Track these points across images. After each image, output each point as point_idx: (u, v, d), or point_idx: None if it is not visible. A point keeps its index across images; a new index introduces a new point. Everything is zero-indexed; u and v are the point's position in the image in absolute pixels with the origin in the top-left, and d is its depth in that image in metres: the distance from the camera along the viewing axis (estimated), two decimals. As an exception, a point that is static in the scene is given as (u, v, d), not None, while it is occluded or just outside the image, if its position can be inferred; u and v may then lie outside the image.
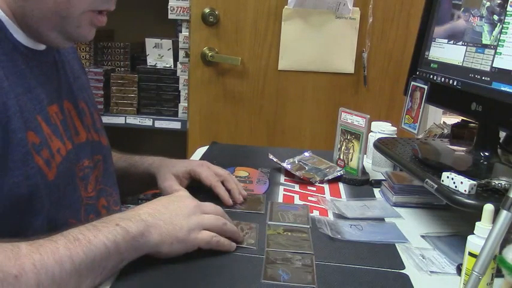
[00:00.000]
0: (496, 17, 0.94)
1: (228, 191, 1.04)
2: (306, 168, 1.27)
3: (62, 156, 0.80)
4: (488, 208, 0.68)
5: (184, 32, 2.27)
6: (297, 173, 1.23)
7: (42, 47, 0.82)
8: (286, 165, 1.27)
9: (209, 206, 0.85)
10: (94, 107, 0.97)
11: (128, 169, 1.11)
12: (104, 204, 0.91)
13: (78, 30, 0.79)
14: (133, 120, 2.37)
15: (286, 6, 1.91)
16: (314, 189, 1.18)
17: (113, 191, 0.97)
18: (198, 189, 1.04)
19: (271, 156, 1.29)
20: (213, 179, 1.04)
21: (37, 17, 0.76)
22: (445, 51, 1.09)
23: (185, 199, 0.84)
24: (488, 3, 0.96)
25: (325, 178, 1.22)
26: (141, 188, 1.19)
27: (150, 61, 2.39)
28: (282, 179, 1.24)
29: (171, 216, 0.77)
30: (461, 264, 0.72)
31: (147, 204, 0.80)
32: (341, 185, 1.22)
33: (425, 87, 1.12)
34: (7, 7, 0.75)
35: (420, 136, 1.42)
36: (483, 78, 0.96)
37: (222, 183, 1.05)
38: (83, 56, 2.46)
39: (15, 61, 0.75)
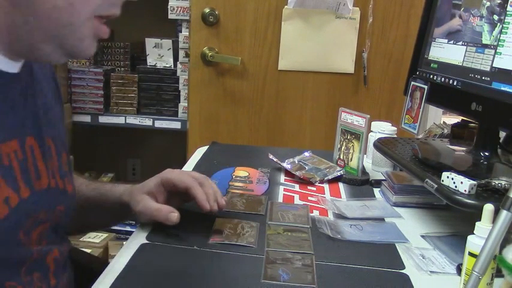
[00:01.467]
0: (496, 17, 0.94)
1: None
2: (306, 168, 1.27)
3: (11, 207, 0.65)
4: (488, 208, 0.68)
5: (184, 32, 2.27)
6: (297, 173, 1.23)
7: (14, 69, 0.68)
8: (286, 165, 1.27)
9: None
10: (63, 146, 0.81)
11: (98, 199, 0.97)
12: (55, 256, 0.77)
13: (81, 44, 0.65)
14: (134, 120, 2.38)
15: (286, 6, 1.91)
16: (314, 189, 1.18)
17: (62, 240, 0.82)
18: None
19: (271, 156, 1.29)
20: (188, 179, 0.89)
21: (31, 26, 0.62)
22: (445, 51, 1.09)
23: None
24: (488, 3, 0.96)
25: (325, 178, 1.22)
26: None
27: (150, 61, 2.39)
28: (282, 179, 1.24)
29: None
30: (461, 264, 0.72)
31: None
32: (341, 185, 1.22)
33: (425, 87, 1.11)
34: None
35: (420, 136, 1.42)
36: (483, 78, 0.96)
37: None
38: (83, 56, 2.46)
39: None
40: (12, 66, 0.68)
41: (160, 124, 2.37)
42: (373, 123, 1.34)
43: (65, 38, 0.64)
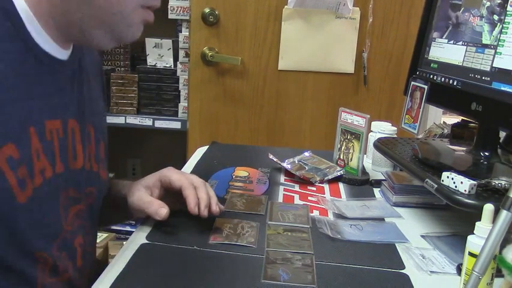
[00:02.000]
0: (496, 17, 0.94)
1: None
2: (306, 168, 1.27)
3: (45, 178, 0.70)
4: (488, 208, 0.68)
5: (184, 32, 2.27)
6: (297, 173, 1.23)
7: (64, 56, 0.74)
8: (286, 165, 1.27)
9: None
10: (102, 136, 0.87)
11: None
12: (80, 242, 0.80)
13: (129, 30, 0.74)
14: (134, 120, 2.38)
15: (286, 6, 1.91)
16: (314, 189, 1.18)
17: (92, 229, 0.87)
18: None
19: (271, 156, 1.29)
20: (184, 180, 0.90)
21: (83, 14, 0.69)
22: (445, 51, 1.09)
23: None
24: (488, 3, 0.96)
25: (325, 178, 1.22)
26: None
27: (150, 61, 2.39)
28: (282, 179, 1.24)
29: None
30: (461, 264, 0.72)
31: None
32: (341, 185, 1.22)
33: (425, 87, 1.11)
34: (37, 4, 0.68)
35: (420, 136, 1.42)
36: (483, 78, 0.96)
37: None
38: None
39: (26, 63, 0.67)
40: (62, 54, 0.74)
41: (160, 124, 2.37)
42: (373, 123, 1.34)
43: (115, 24, 0.72)
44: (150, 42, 2.37)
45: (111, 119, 2.38)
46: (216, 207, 0.89)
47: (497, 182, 0.83)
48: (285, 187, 1.18)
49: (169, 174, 0.92)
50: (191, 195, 0.87)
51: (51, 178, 0.71)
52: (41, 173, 0.69)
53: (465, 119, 1.27)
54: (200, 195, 0.88)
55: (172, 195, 0.92)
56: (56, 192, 0.73)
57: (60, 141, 0.73)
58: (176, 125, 2.35)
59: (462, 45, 1.03)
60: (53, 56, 0.72)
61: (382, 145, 1.18)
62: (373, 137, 1.32)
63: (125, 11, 0.70)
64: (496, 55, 0.93)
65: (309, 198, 1.12)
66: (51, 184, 0.71)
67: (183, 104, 2.33)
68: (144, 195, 0.89)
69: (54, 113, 0.73)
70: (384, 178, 1.18)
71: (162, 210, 0.85)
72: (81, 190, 0.79)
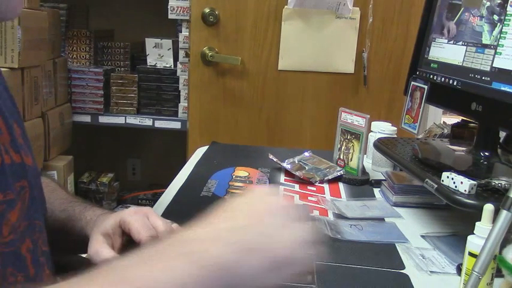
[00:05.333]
0: (496, 17, 0.94)
1: None
2: (306, 168, 1.27)
3: None
4: (488, 208, 0.68)
5: (184, 32, 2.28)
6: (297, 173, 1.23)
7: None
8: (286, 165, 1.27)
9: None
10: (12, 116, 0.71)
11: (66, 224, 0.81)
12: (29, 246, 0.67)
13: (9, 2, 0.61)
14: (134, 120, 2.38)
15: (286, 6, 1.91)
16: (314, 189, 1.18)
17: (42, 224, 0.71)
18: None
19: (271, 156, 1.29)
20: (146, 232, 0.72)
21: None
22: (445, 51, 1.09)
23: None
24: (488, 3, 0.96)
25: (325, 178, 1.22)
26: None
27: (150, 61, 2.39)
28: (282, 179, 1.24)
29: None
30: (461, 264, 0.72)
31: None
32: (341, 185, 1.22)
33: (425, 87, 1.11)
34: None
35: (420, 136, 1.42)
36: (483, 78, 0.96)
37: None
38: (82, 56, 2.46)
39: None
40: None
41: (160, 124, 2.37)
42: (373, 123, 1.34)
43: None
44: (150, 42, 2.38)
45: (111, 119, 2.39)
46: None
47: (497, 182, 0.83)
48: (285, 187, 1.18)
49: (130, 221, 0.74)
50: None
51: None
52: None
53: (465, 119, 1.27)
54: None
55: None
56: None
57: None
58: (176, 125, 2.36)
59: (462, 45, 1.03)
60: None
61: (382, 145, 1.18)
62: (373, 137, 1.32)
63: None
64: (496, 55, 0.93)
65: (309, 198, 1.12)
66: None
67: (183, 104, 2.33)
68: (102, 248, 0.72)
69: None
70: (384, 178, 1.18)
71: None
72: (12, 189, 0.65)
